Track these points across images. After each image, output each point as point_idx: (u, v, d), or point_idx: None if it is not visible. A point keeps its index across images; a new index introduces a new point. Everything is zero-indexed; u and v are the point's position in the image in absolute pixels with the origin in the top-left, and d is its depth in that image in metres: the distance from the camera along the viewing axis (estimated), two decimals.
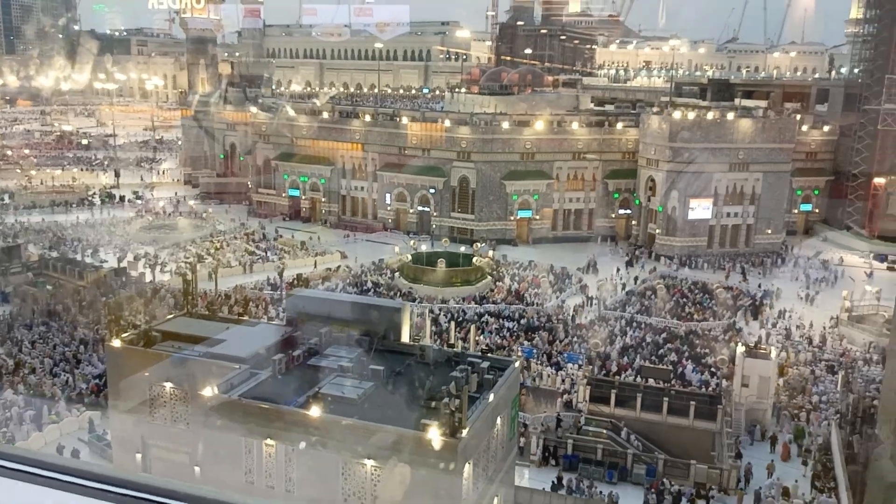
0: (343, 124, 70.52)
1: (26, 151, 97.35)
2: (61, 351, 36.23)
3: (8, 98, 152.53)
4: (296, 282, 49.18)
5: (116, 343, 22.02)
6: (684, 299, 48.82)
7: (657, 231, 61.37)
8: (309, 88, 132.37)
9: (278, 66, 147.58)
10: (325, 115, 72.27)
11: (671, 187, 60.19)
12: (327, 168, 70.17)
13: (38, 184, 78.19)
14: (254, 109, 77.43)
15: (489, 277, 51.93)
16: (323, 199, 70.87)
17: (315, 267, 54.08)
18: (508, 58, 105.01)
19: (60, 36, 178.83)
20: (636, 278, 53.21)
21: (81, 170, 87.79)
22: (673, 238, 60.40)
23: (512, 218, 64.48)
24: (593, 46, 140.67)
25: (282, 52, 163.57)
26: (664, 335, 42.17)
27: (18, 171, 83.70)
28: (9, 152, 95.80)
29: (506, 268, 55.27)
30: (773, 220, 62.63)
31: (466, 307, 46.68)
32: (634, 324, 44.09)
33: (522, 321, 44.18)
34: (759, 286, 51.77)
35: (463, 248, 55.81)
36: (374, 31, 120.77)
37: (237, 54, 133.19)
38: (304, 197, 71.31)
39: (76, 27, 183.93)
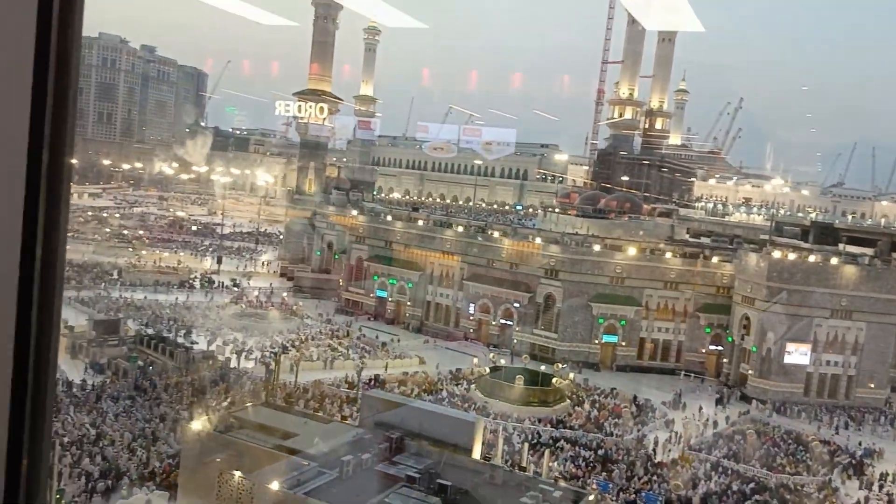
0: (436, 233, 72.27)
1: (140, 232, 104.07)
2: (141, 427, 37.15)
3: (132, 181, 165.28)
4: (373, 382, 49.26)
5: (194, 425, 22.41)
6: (776, 448, 45.63)
7: (750, 372, 58.46)
8: (408, 196, 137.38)
9: (382, 174, 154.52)
10: (420, 222, 74.45)
11: (767, 328, 57.71)
12: (416, 273, 71.50)
13: (146, 263, 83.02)
14: (354, 212, 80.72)
15: (568, 401, 50.40)
16: (408, 303, 71.82)
17: (390, 369, 54.16)
18: (605, 183, 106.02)
19: (187, 130, 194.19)
20: (726, 419, 50.43)
21: (188, 254, 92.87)
22: (767, 381, 57.29)
23: (596, 341, 63.11)
24: (692, 179, 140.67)
25: (386, 161, 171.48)
26: (752, 485, 39.25)
27: (130, 249, 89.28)
28: (125, 232, 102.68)
29: (586, 393, 53.61)
30: (876, 373, 58.62)
31: (542, 429, 45.20)
32: (720, 469, 41.35)
33: (600, 451, 42.25)
34: (860, 444, 47.89)
35: (543, 367, 54.71)
36: (479, 149, 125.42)
37: (344, 160, 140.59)
38: (390, 299, 72.55)
39: (203, 123, 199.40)
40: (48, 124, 1.31)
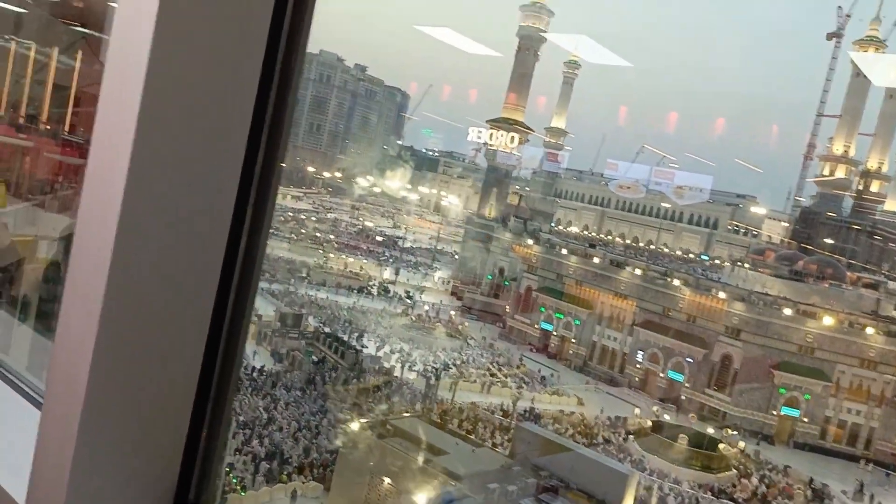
0: (611, 272, 70.43)
1: (331, 237, 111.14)
2: (307, 418, 39.39)
3: (330, 189, 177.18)
4: (528, 414, 48.73)
5: (354, 426, 23.33)
6: None
7: None
8: (586, 232, 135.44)
9: (562, 206, 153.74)
10: (596, 259, 72.94)
11: None
12: (584, 311, 70.02)
13: (332, 266, 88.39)
14: (530, 241, 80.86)
15: (734, 470, 46.73)
16: (573, 340, 70.44)
17: (546, 404, 53.26)
18: (805, 244, 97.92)
19: (384, 147, 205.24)
20: None
21: (370, 262, 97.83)
22: None
23: (774, 413, 58.03)
24: None
25: (568, 194, 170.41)
26: None
27: (320, 251, 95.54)
28: (318, 234, 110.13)
29: (755, 465, 49.41)
30: None
31: (701, 496, 42.24)
32: None
33: None
34: None
35: (710, 430, 51.21)
36: (670, 192, 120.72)
37: (527, 189, 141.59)
38: (555, 333, 71.57)
39: (400, 142, 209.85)
40: (266, 129, 1.42)
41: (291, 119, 1.48)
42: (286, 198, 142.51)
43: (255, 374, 45.52)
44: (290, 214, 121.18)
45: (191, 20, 1.29)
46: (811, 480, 47.78)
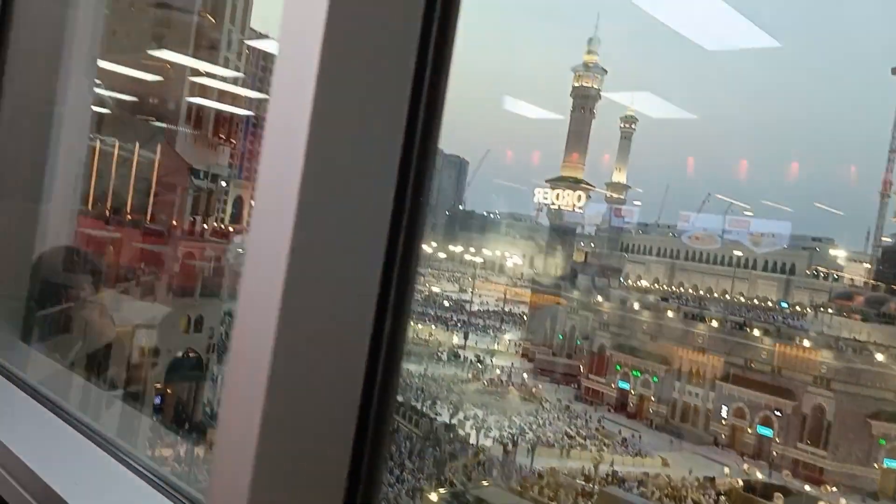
0: (687, 326, 68.36)
1: None
2: (385, 491, 38.90)
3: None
4: (610, 478, 46.93)
5: (433, 496, 22.91)
6: None
7: None
8: (657, 286, 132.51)
9: (630, 261, 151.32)
10: (670, 313, 71.05)
11: None
12: (662, 367, 67.83)
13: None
14: (599, 298, 79.56)
15: None
16: (652, 398, 68.07)
17: (629, 467, 51.26)
18: (893, 284, 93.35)
19: (447, 213, 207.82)
20: None
21: (439, 327, 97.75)
22: None
23: (876, 465, 54.25)
24: None
25: (635, 248, 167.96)
26: None
27: None
28: None
29: None
30: None
31: None
32: None
33: None
34: None
35: (808, 488, 48.20)
36: (747, 241, 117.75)
37: (592, 245, 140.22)
38: (633, 392, 69.37)
39: (461, 207, 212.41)
40: (411, 184, 1.52)
41: (434, 170, 1.56)
42: None
43: None
44: None
45: (345, 81, 1.41)
46: None
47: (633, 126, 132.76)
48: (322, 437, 1.46)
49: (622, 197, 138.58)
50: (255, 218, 1.46)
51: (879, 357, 56.43)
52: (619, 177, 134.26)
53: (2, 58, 3.07)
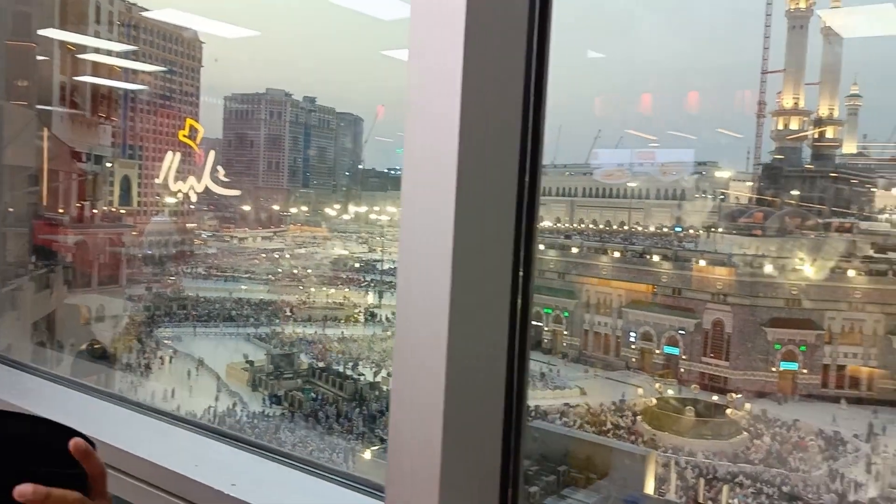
0: (590, 259, 70.88)
1: (308, 271, 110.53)
2: (316, 456, 38.91)
3: (299, 224, 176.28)
4: (533, 413, 48.67)
5: (366, 455, 23.15)
6: None
7: None
8: (559, 224, 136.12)
9: None
10: (574, 249, 73.37)
11: None
12: (571, 302, 70.29)
13: (315, 300, 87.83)
14: None
15: (745, 433, 47.11)
16: (565, 333, 70.64)
17: (550, 400, 53.33)
18: (772, 199, 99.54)
19: (347, 173, 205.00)
20: None
21: (352, 290, 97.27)
22: None
23: (773, 369, 58.67)
24: (872, 189, 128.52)
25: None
26: None
27: (300, 287, 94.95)
28: (295, 271, 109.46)
29: (765, 425, 49.85)
30: None
31: (717, 464, 42.47)
32: None
33: (785, 488, 39.00)
34: None
35: (715, 398, 51.63)
36: (656, 172, 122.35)
37: None
38: (546, 329, 71.72)
39: (360, 166, 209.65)
40: (527, 186, 1.65)
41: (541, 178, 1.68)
42: (256, 240, 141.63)
43: (256, 421, 44.99)
44: (264, 256, 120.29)
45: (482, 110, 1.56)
46: (821, 431, 48.31)
47: None
48: (480, 432, 1.61)
49: None
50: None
51: (768, 268, 60.44)
52: None
53: None
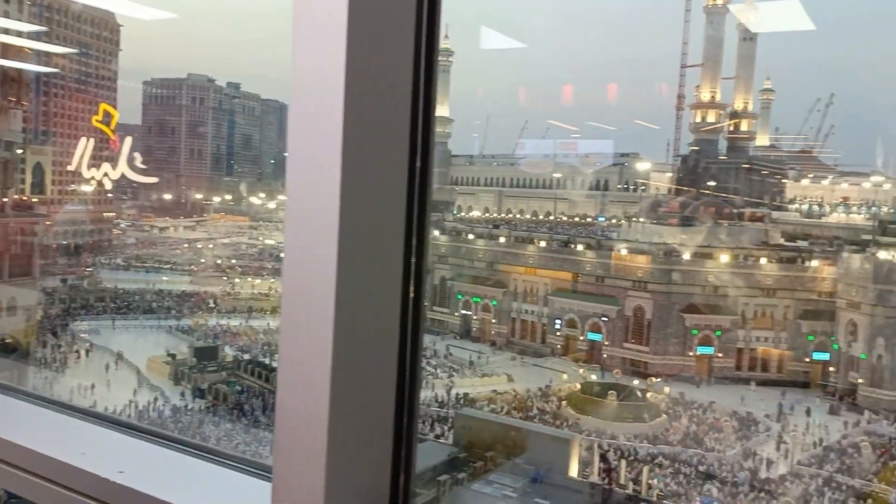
0: (518, 249, 71.90)
1: (233, 261, 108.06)
2: (242, 450, 38.26)
3: (223, 213, 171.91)
4: (462, 401, 49.19)
5: None
6: (895, 462, 42.76)
7: (860, 381, 55.14)
8: (488, 214, 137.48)
9: (460, 193, 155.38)
10: (502, 239, 74.26)
11: (877, 333, 54.41)
12: (500, 291, 71.21)
13: (240, 291, 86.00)
14: (435, 232, 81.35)
15: (664, 416, 48.88)
16: (493, 321, 71.54)
17: (478, 388, 53.98)
18: (690, 189, 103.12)
19: (272, 161, 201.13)
20: (837, 432, 47.73)
21: (279, 279, 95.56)
22: (879, 390, 53.88)
23: (691, 354, 61.03)
24: (783, 180, 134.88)
25: (464, 181, 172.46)
26: (871, 502, 36.89)
27: (224, 278, 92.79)
28: (219, 262, 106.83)
29: (683, 407, 51.84)
30: None
31: (638, 445, 43.96)
32: (833, 485, 39.05)
33: (701, 468, 40.71)
34: None
35: (636, 382, 53.33)
36: (578, 162, 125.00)
37: None
38: (475, 317, 72.46)
39: (286, 154, 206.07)
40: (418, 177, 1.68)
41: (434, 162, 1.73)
42: (178, 229, 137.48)
43: (179, 416, 43.85)
44: (186, 246, 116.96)
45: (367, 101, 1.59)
46: (735, 411, 50.59)
47: (449, 59, 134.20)
48: (369, 416, 1.63)
49: (447, 130, 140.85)
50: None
51: (686, 256, 62.69)
52: (442, 110, 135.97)
53: None
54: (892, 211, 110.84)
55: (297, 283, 1.57)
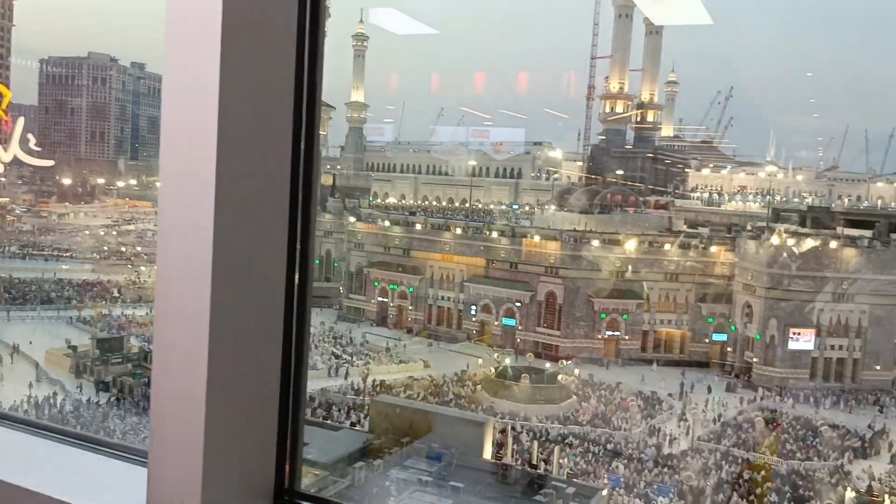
0: (434, 236, 72.25)
1: (138, 249, 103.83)
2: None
3: (127, 198, 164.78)
4: (379, 388, 49.22)
5: None
6: (785, 435, 45.68)
7: (754, 360, 58.51)
8: (404, 201, 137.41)
9: (376, 180, 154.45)
10: (418, 226, 74.41)
11: (770, 315, 57.78)
12: (416, 277, 71.44)
13: (146, 280, 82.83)
14: (351, 219, 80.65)
15: (574, 397, 50.43)
16: (410, 308, 71.75)
17: (395, 374, 54.16)
18: (599, 178, 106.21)
19: None
20: (733, 409, 50.50)
21: None
22: (772, 368, 57.34)
23: (599, 337, 63.11)
24: (686, 169, 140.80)
25: (379, 167, 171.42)
26: (763, 472, 39.29)
27: (129, 266, 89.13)
28: (123, 249, 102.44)
29: (592, 388, 53.62)
30: (881, 354, 58.69)
31: (550, 427, 45.22)
32: (731, 457, 41.37)
33: (609, 446, 42.29)
34: (870, 426, 47.91)
35: (548, 365, 54.72)
36: (490, 150, 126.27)
37: (339, 167, 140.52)
38: (392, 304, 72.46)
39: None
40: (302, 165, 1.69)
41: (319, 155, 1.75)
42: (79, 215, 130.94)
43: (82, 410, 41.99)
44: (87, 233, 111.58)
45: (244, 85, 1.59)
46: (641, 391, 52.74)
47: (364, 44, 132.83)
48: (249, 403, 1.61)
49: (363, 116, 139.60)
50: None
51: (594, 243, 64.62)
52: (358, 95, 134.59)
53: None
54: (784, 199, 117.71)
55: (171, 266, 1.56)
